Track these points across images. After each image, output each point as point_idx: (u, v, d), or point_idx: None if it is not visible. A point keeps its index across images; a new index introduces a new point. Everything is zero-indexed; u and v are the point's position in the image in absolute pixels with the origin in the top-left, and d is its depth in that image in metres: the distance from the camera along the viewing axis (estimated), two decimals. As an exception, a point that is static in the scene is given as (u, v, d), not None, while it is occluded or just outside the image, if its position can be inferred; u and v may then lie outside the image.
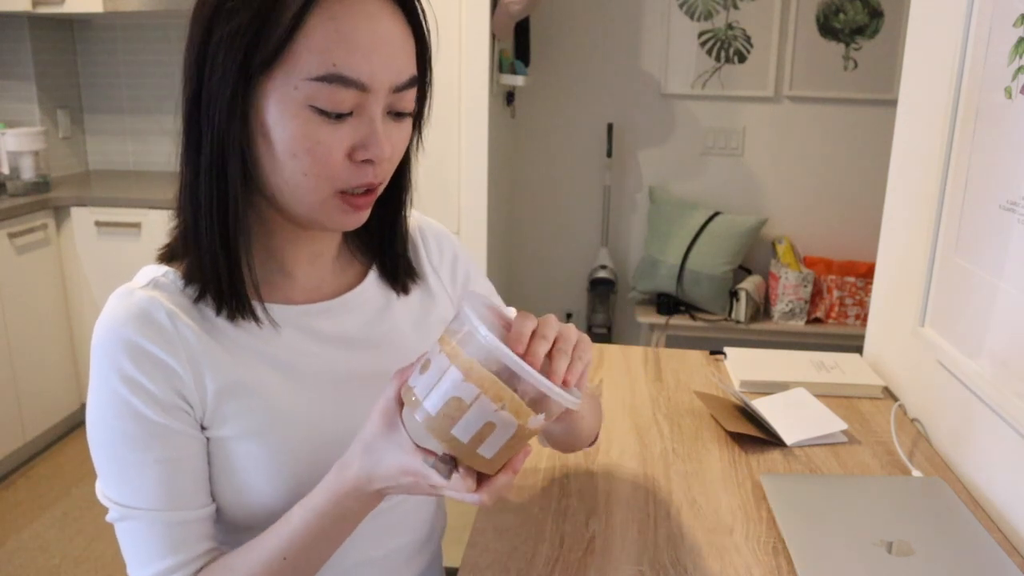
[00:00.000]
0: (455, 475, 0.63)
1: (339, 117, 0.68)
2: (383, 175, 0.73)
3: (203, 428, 0.74)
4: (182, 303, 0.73)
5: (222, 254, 0.71)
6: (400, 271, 0.86)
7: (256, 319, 0.75)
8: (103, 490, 0.73)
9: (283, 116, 0.67)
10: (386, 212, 0.83)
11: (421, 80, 0.75)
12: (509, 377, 0.61)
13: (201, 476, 0.74)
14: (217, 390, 0.73)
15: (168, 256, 0.77)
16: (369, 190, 0.73)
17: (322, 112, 0.67)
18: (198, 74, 0.68)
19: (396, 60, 0.69)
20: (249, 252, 0.73)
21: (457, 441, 0.62)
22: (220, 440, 0.74)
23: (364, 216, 0.75)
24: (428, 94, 0.78)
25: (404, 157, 0.79)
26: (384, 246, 0.85)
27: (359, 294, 0.83)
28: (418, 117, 0.78)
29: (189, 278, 0.74)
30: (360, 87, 0.67)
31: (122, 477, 0.71)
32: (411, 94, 0.72)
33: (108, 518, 0.73)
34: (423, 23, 0.73)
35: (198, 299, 0.74)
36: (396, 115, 0.72)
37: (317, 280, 0.81)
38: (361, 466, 0.67)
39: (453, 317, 0.67)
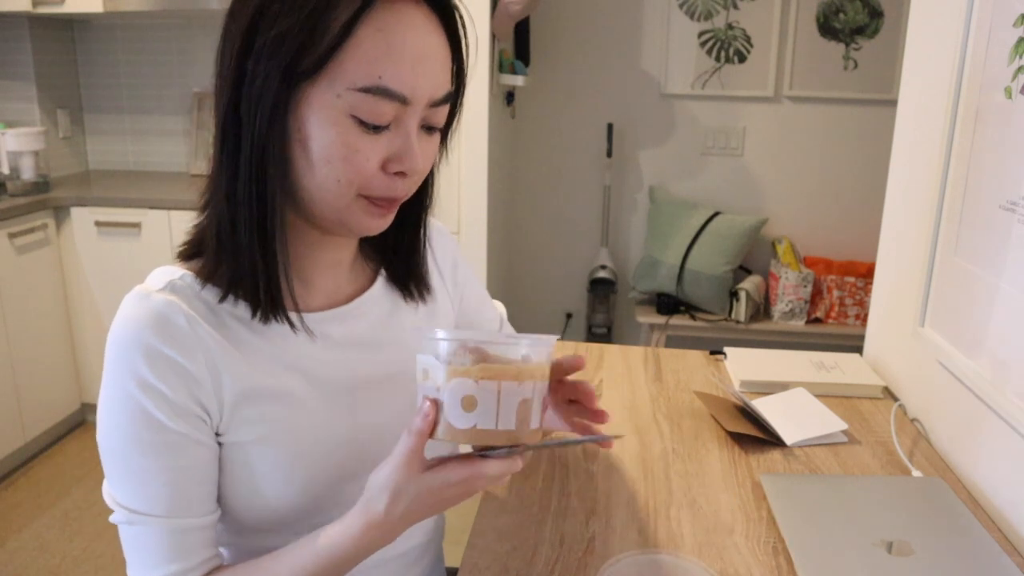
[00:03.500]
0: (513, 456, 0.67)
1: (377, 129, 0.68)
2: (411, 188, 0.74)
3: (218, 434, 0.74)
4: (199, 308, 0.72)
5: (260, 255, 0.70)
6: (411, 281, 0.87)
7: (290, 322, 0.75)
8: (110, 491, 0.73)
9: (323, 123, 0.66)
10: (405, 222, 0.84)
11: (455, 96, 0.75)
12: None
13: (209, 484, 0.74)
14: (235, 395, 0.73)
15: (188, 254, 0.76)
16: (397, 199, 0.73)
17: (362, 123, 0.67)
18: (237, 76, 0.67)
19: (437, 75, 0.69)
20: (286, 253, 0.72)
21: (533, 431, 0.68)
22: (236, 445, 0.74)
23: (388, 221, 0.75)
24: (459, 110, 0.78)
25: (427, 182, 0.81)
26: (399, 254, 0.86)
27: (369, 298, 0.84)
28: (446, 131, 0.78)
29: (209, 276, 0.73)
30: (402, 100, 0.67)
31: (130, 481, 0.71)
32: (444, 110, 0.73)
33: (112, 519, 0.73)
34: (463, 40, 0.73)
35: (223, 299, 0.73)
36: (428, 129, 0.72)
37: (332, 287, 0.81)
38: (393, 512, 0.67)
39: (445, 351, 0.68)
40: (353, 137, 0.67)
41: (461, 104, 0.78)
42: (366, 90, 0.65)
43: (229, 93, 0.68)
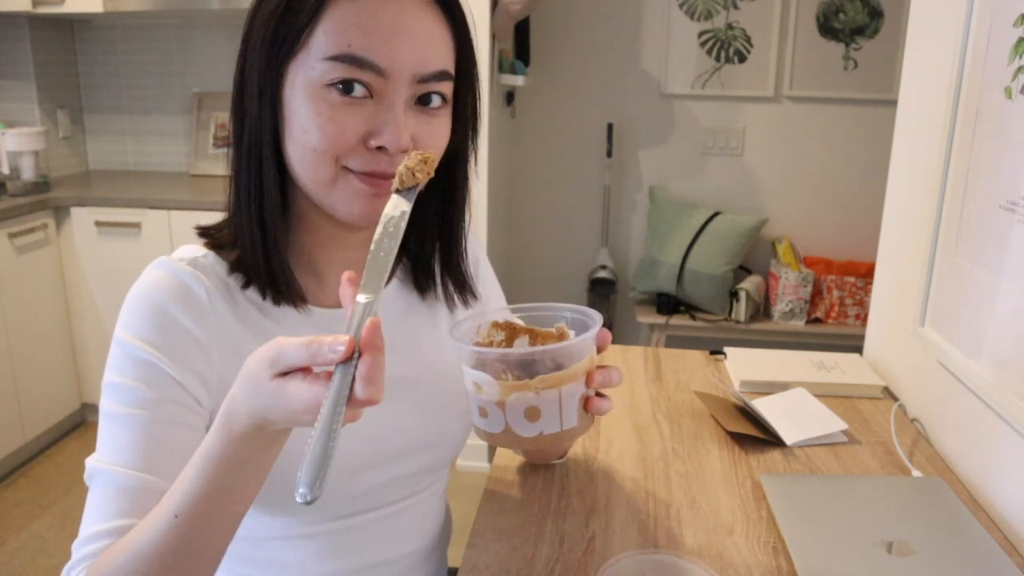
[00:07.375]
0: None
1: (356, 98, 0.69)
2: (395, 165, 0.71)
3: (211, 413, 0.74)
4: (218, 286, 0.75)
5: (260, 239, 0.73)
6: (457, 291, 0.88)
7: (295, 303, 0.77)
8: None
9: (302, 97, 0.69)
10: (443, 238, 0.85)
11: (466, 80, 0.76)
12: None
13: (181, 456, 0.68)
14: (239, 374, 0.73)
15: (214, 244, 0.78)
16: (382, 176, 0.71)
17: (338, 93, 0.68)
18: (241, 65, 0.72)
19: (421, 49, 0.70)
20: (287, 237, 0.75)
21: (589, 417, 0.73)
22: None
23: (376, 210, 0.71)
24: (472, 97, 0.78)
25: (457, 179, 0.81)
26: (446, 267, 0.87)
27: (382, 298, 0.84)
28: (473, 127, 0.79)
29: (235, 266, 0.76)
30: (377, 71, 0.68)
31: (107, 430, 0.69)
32: (442, 87, 0.73)
33: (85, 478, 0.70)
34: (464, 19, 0.74)
35: (246, 286, 0.76)
36: (427, 109, 0.72)
37: None
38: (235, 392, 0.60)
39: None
40: (328, 106, 0.69)
41: (472, 83, 0.78)
42: (335, 58, 0.68)
43: (236, 83, 0.72)
